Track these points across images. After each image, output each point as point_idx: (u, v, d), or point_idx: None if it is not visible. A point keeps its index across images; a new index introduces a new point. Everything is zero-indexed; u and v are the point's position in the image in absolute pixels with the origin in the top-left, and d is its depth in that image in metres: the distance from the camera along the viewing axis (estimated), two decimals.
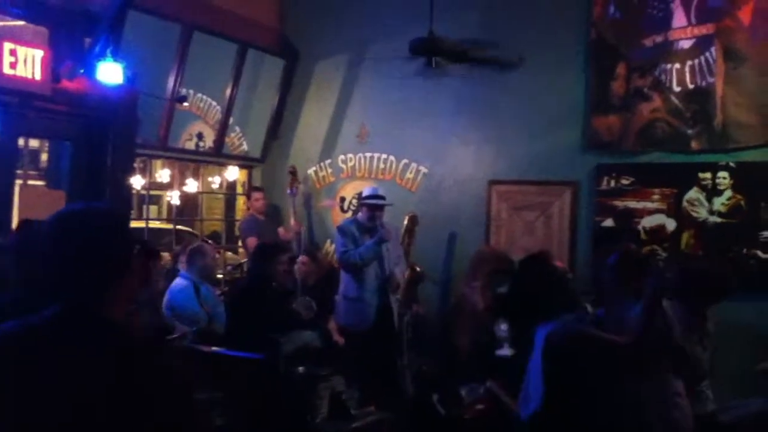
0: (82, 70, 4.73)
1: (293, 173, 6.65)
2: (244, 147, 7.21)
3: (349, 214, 6.79)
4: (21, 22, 5.16)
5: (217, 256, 6.39)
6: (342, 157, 6.94)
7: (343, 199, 6.94)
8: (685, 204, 5.49)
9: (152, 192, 7.86)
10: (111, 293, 1.58)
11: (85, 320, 1.54)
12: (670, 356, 2.94)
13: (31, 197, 4.70)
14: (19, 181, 4.93)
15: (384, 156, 6.71)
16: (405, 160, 6.61)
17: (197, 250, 5.03)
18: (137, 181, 6.04)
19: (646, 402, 2.84)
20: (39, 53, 4.43)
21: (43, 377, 1.46)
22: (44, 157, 10.02)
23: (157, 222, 9.75)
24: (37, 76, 4.39)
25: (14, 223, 4.50)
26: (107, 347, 1.51)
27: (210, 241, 7.06)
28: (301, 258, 5.68)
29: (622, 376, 2.85)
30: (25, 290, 2.24)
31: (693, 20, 5.43)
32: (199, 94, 6.87)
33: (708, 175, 5.41)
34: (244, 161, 7.28)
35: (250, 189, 7.19)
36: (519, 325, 3.35)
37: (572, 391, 2.89)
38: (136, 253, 1.71)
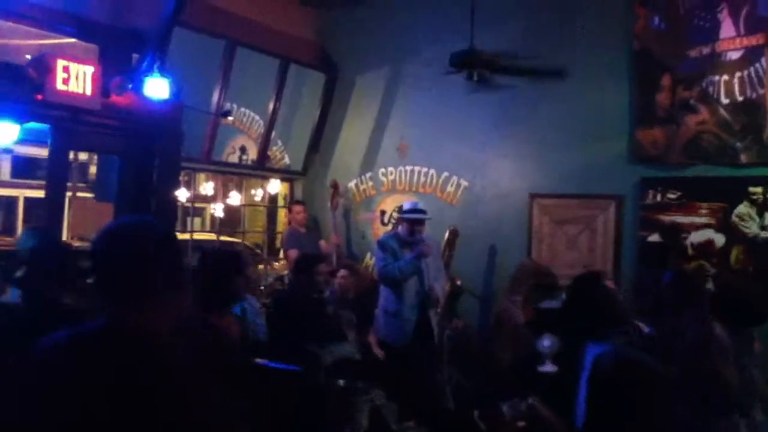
0: (130, 86, 4.84)
1: (335, 187, 6.71)
2: (286, 160, 7.30)
3: (390, 227, 6.79)
4: (73, 40, 5.34)
5: (260, 267, 6.44)
6: (382, 170, 6.96)
7: (383, 212, 6.95)
8: (734, 219, 5.34)
9: (196, 204, 8.04)
10: (156, 307, 1.62)
11: (126, 333, 1.58)
12: (718, 387, 2.85)
13: (81, 209, 4.82)
14: (69, 194, 5.08)
15: (424, 169, 6.71)
16: (445, 174, 6.59)
17: None
18: (182, 194, 6.15)
19: None
20: (90, 69, 4.57)
21: (85, 385, 1.52)
22: (93, 169, 10.32)
23: (202, 234, 9.96)
24: (88, 92, 4.52)
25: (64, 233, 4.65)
26: (143, 360, 1.55)
27: (259, 251, 7.14)
28: (341, 272, 5.69)
29: (670, 405, 2.77)
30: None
31: (742, 31, 5.31)
32: (243, 109, 7.01)
33: (759, 189, 5.25)
34: (286, 174, 7.37)
35: (291, 202, 7.26)
36: (569, 342, 3.30)
37: (616, 417, 2.83)
38: (187, 270, 1.74)
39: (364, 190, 7.07)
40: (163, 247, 1.68)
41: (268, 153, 7.04)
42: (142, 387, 1.51)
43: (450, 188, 6.56)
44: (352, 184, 7.11)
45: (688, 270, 4.51)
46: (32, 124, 4.63)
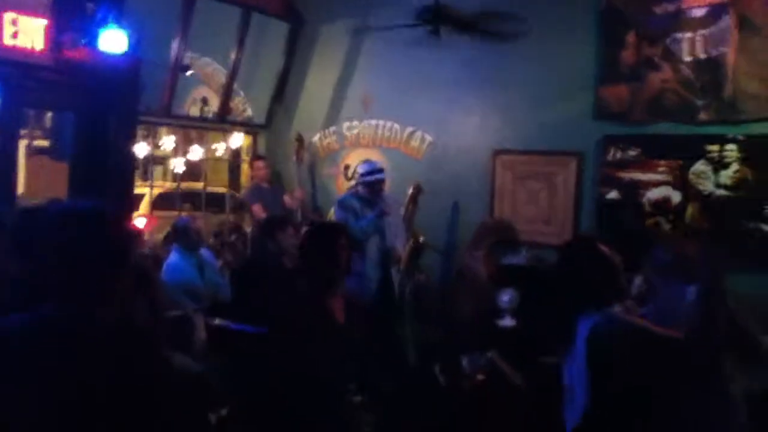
0: (84, 41, 4.66)
1: (300, 140, 6.63)
2: (249, 112, 7.17)
3: (353, 182, 6.77)
4: None
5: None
6: (347, 124, 6.89)
7: (347, 167, 6.91)
8: (691, 176, 5.44)
9: (156, 156, 7.92)
10: (106, 292, 1.62)
11: (82, 318, 1.58)
12: (740, 350, 2.63)
13: (36, 169, 4.71)
14: (24, 142, 4.93)
15: (389, 124, 6.66)
16: (410, 129, 6.56)
17: (183, 228, 5.01)
18: (141, 149, 6.02)
19: (706, 409, 2.53)
20: (41, 23, 4.39)
21: (43, 372, 1.51)
22: (49, 114, 10.01)
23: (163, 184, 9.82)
24: (39, 47, 4.35)
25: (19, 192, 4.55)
26: (103, 345, 1.56)
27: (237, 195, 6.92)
28: (305, 229, 5.67)
29: (679, 377, 2.51)
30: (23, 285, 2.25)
31: None
32: (204, 58, 6.81)
33: (715, 147, 5.34)
34: (249, 127, 7.25)
35: (253, 157, 7.17)
36: (562, 314, 2.99)
37: (622, 395, 2.50)
38: (134, 252, 1.74)
39: (328, 144, 7.01)
40: (112, 235, 1.66)
41: (231, 104, 6.90)
42: (89, 376, 1.52)
43: (414, 143, 6.55)
44: (315, 138, 7.04)
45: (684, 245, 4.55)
46: None
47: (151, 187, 7.50)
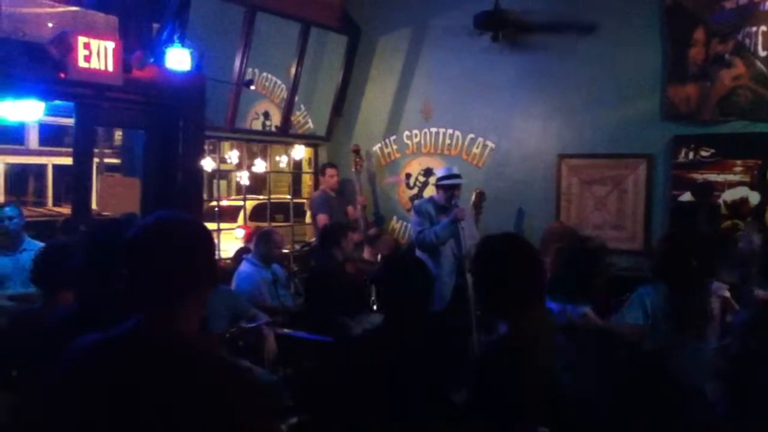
0: (151, 60, 4.80)
1: (356, 152, 6.65)
2: (310, 125, 7.24)
3: (416, 190, 6.75)
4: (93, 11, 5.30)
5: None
6: (407, 133, 6.87)
7: (408, 176, 6.90)
8: None
9: (222, 170, 8.13)
10: (188, 306, 1.60)
11: (159, 335, 1.55)
12: None
13: (109, 186, 4.86)
14: (96, 160, 5.10)
15: (449, 131, 6.61)
16: (471, 135, 6.49)
17: (266, 235, 5.08)
18: (208, 164, 6.14)
19: None
20: (110, 45, 4.53)
21: (115, 390, 1.50)
22: (119, 133, 10.40)
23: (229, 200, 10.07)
24: (110, 68, 4.49)
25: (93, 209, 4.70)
26: (178, 363, 1.52)
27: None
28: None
29: None
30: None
31: None
32: (265, 74, 6.92)
33: None
34: (310, 140, 7.31)
35: (317, 165, 7.21)
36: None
37: None
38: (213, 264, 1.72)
39: (389, 153, 7.01)
40: (201, 249, 1.63)
41: (291, 118, 6.97)
42: (169, 392, 1.49)
43: (476, 150, 6.47)
44: (376, 148, 7.04)
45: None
46: (57, 102, 4.63)
47: (245, 199, 7.86)
